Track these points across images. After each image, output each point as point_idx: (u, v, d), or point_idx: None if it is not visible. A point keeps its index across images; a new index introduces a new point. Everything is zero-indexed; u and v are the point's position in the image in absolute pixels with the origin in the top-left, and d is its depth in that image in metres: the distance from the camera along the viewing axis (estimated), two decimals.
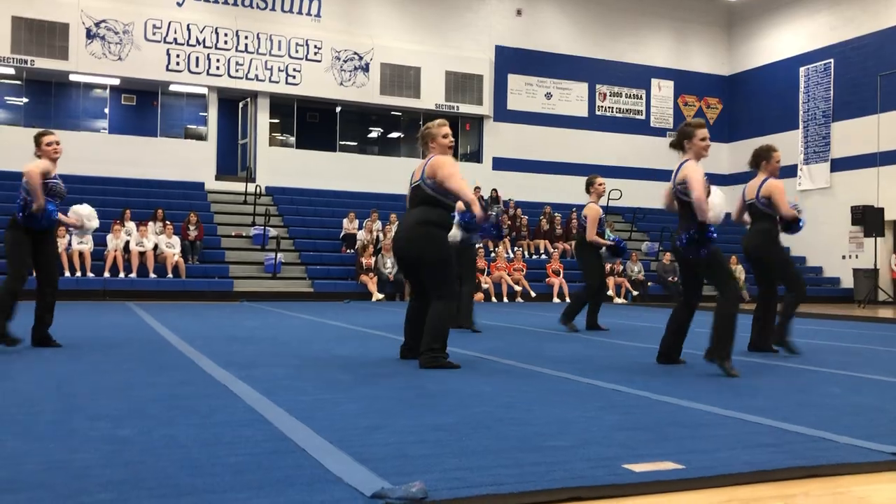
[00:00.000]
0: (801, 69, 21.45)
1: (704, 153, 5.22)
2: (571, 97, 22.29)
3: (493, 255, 17.29)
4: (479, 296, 15.45)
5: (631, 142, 22.66)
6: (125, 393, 3.94)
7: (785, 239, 7.11)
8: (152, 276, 14.68)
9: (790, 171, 20.55)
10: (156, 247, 15.02)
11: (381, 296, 15.53)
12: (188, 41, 18.50)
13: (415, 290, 5.56)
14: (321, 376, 4.66)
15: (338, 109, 20.58)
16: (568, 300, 16.74)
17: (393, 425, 3.17)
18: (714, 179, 19.41)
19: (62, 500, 2.10)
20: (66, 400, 3.72)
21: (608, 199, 20.93)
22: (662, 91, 23.33)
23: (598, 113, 22.58)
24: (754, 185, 6.46)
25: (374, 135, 22.01)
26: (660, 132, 22.63)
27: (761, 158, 6.48)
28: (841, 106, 20.35)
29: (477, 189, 17.58)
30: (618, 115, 22.81)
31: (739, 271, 18.11)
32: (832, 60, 20.63)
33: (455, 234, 6.82)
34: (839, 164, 20.33)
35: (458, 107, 20.89)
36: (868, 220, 18.08)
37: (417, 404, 3.72)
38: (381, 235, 16.84)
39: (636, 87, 23.08)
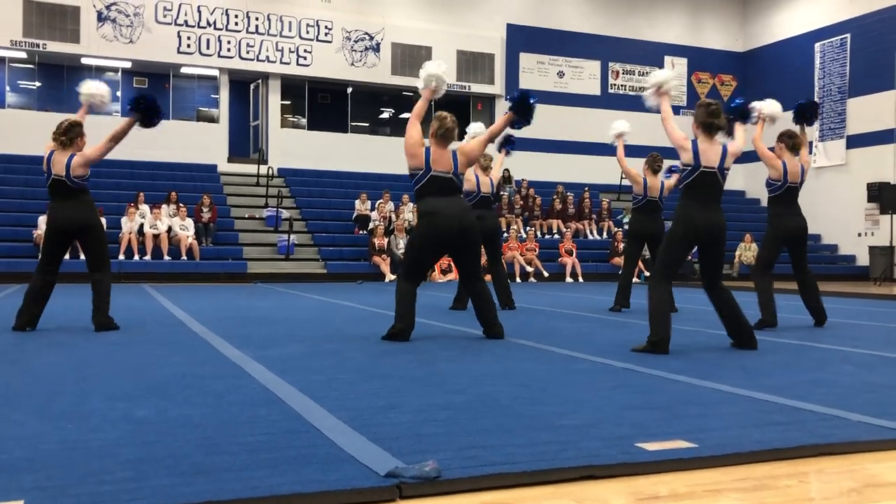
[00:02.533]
0: (817, 45, 21.15)
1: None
2: (584, 75, 22.12)
3: (505, 235, 17.25)
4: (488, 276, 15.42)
5: (644, 120, 22.39)
6: (141, 374, 3.98)
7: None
8: (166, 258, 14.77)
9: None
10: (169, 229, 15.10)
11: (393, 276, 15.57)
12: (199, 23, 18.48)
13: (463, 274, 5.75)
14: (335, 356, 4.69)
15: (349, 90, 20.53)
16: (580, 279, 16.75)
17: (406, 405, 3.19)
18: None
19: (81, 479, 2.13)
20: (83, 381, 3.77)
21: (620, 178, 20.83)
22: (676, 68, 23.06)
23: (610, 91, 22.40)
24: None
25: (385, 115, 21.96)
26: (673, 110, 22.36)
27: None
28: (857, 81, 20.07)
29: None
30: (631, 93, 22.60)
31: (753, 250, 18.00)
32: (849, 35, 20.33)
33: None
34: (855, 141, 20.10)
35: (469, 86, 20.79)
36: (884, 197, 17.92)
37: (430, 384, 3.74)
38: (393, 216, 16.84)
39: (649, 65, 22.81)
